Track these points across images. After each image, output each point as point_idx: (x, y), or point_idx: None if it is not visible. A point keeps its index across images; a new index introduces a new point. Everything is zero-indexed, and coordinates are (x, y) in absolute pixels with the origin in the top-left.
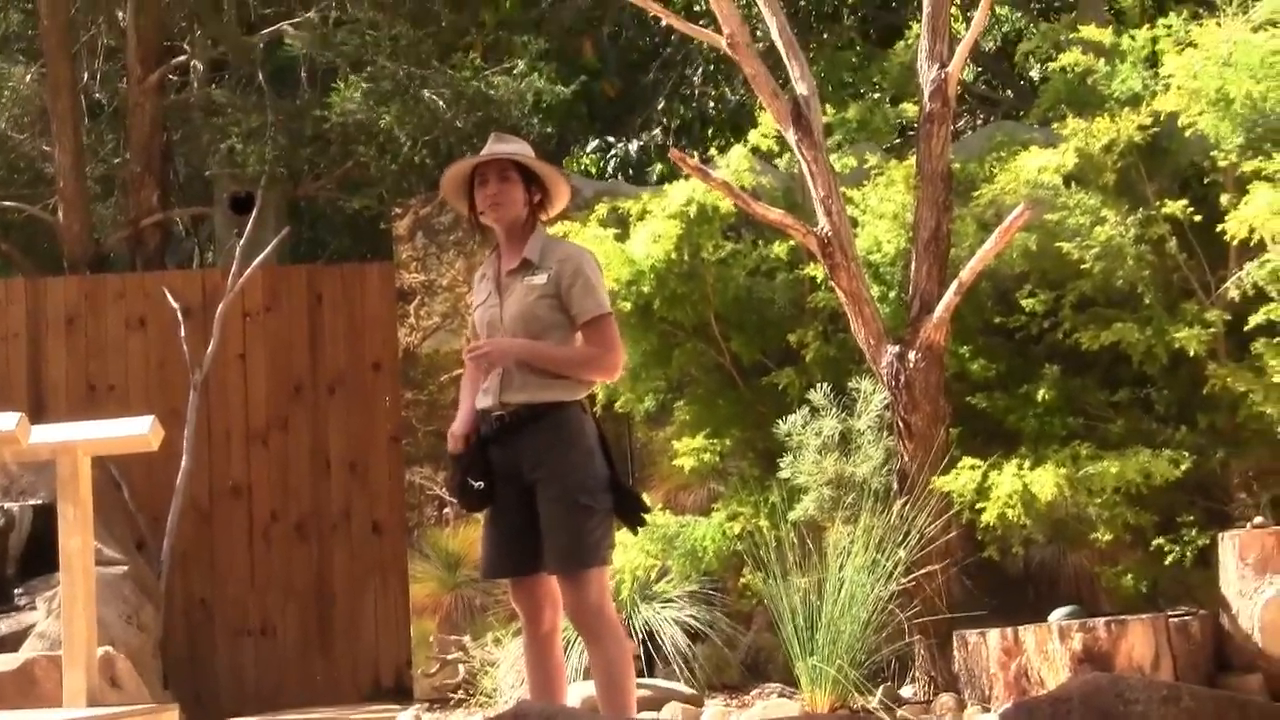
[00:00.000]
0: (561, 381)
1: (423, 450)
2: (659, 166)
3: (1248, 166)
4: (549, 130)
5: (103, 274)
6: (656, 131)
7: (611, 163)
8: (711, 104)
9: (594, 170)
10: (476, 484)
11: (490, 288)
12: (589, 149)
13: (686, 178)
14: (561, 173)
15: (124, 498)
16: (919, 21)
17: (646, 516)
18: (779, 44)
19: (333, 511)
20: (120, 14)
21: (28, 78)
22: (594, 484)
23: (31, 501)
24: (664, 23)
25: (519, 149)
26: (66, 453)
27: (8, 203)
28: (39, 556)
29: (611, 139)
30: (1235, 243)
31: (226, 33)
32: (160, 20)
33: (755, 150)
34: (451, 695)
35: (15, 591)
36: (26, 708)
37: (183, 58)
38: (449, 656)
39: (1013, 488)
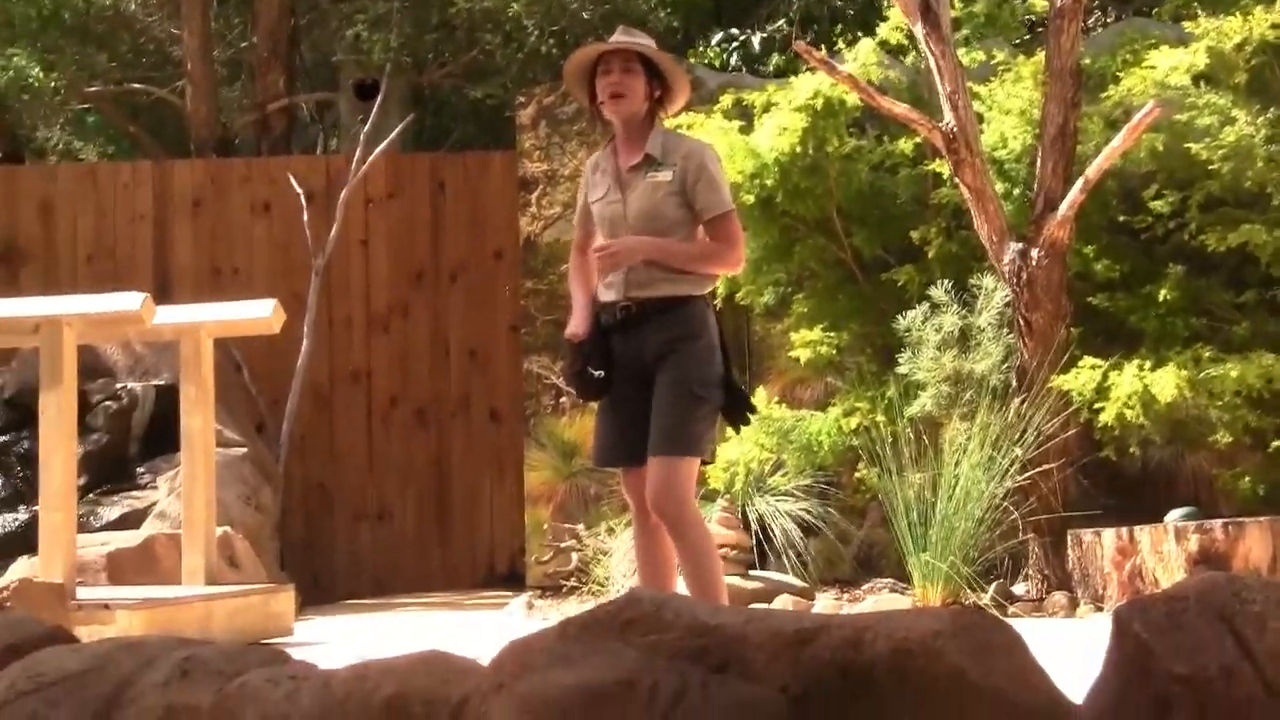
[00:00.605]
0: (687, 276)
1: (541, 339)
2: (780, 59)
3: None
4: (674, 24)
5: (228, 158)
6: (781, 23)
7: (735, 55)
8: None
9: (718, 63)
10: (597, 373)
11: (609, 182)
12: (714, 41)
13: (812, 71)
14: (684, 69)
15: (244, 380)
16: None
17: (760, 411)
18: None
19: (451, 399)
20: None
21: None
22: (710, 378)
23: (155, 382)
24: None
25: (646, 42)
26: (189, 333)
27: (136, 85)
28: (161, 436)
29: (736, 30)
30: None
31: None
32: None
33: (883, 45)
34: (564, 583)
35: (138, 470)
36: (148, 584)
37: None
38: (562, 545)
39: (1133, 388)
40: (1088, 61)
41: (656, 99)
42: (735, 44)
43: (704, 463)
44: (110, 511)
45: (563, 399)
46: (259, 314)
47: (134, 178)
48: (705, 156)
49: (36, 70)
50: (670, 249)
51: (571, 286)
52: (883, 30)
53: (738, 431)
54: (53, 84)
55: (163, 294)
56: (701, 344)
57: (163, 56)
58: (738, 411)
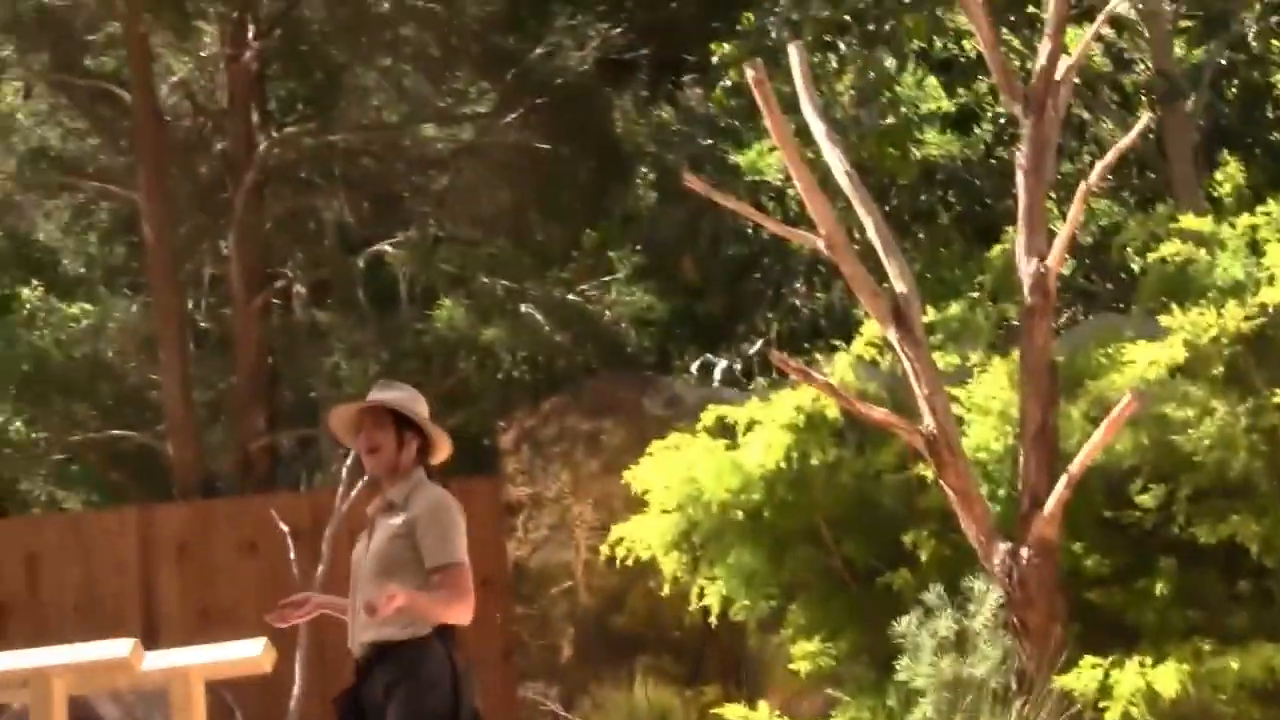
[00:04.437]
0: (398, 620)
1: (536, 664)
2: (762, 381)
3: None
4: (646, 343)
5: (213, 499)
6: (759, 343)
7: (717, 379)
8: (813, 311)
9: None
10: None
11: (368, 526)
12: (692, 368)
13: (795, 386)
14: (436, 426)
15: None
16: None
17: None
18: (876, 243)
19: None
20: (223, 242)
21: (133, 309)
22: (429, 715)
23: None
24: (764, 232)
25: (396, 396)
26: (179, 677)
27: (116, 432)
28: None
29: (711, 356)
30: None
31: (328, 255)
32: (263, 246)
33: (859, 359)
34: None
35: None
36: None
37: (284, 282)
38: None
39: (1135, 685)
40: (1062, 359)
41: (418, 449)
42: (716, 369)
43: None
44: None
45: None
46: (249, 653)
47: (119, 524)
48: (440, 508)
49: (18, 424)
50: (420, 598)
51: None
52: (857, 345)
53: None
54: (34, 436)
55: (151, 639)
56: (419, 682)
57: (143, 402)
58: None
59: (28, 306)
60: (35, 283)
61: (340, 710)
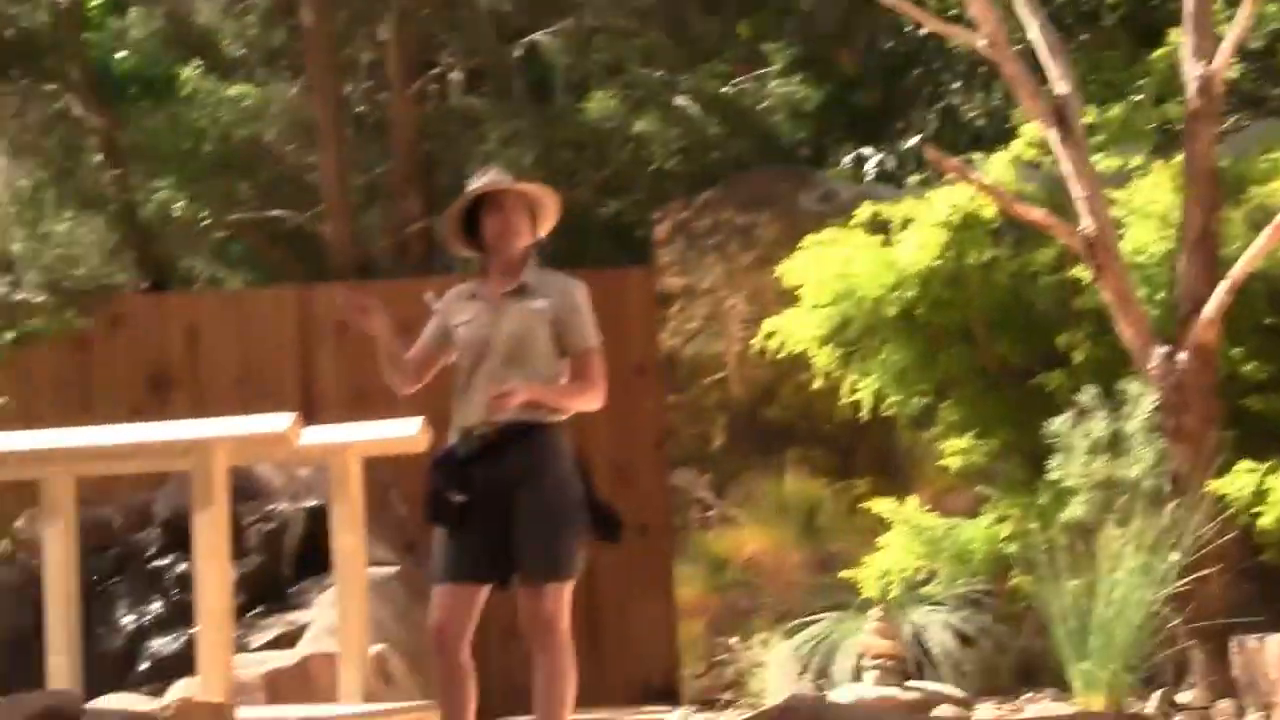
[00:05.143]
0: (543, 405)
1: (687, 452)
2: (917, 177)
3: None
4: (801, 137)
5: (369, 280)
6: (915, 140)
7: (870, 174)
8: (971, 112)
9: (852, 177)
10: (458, 498)
11: (479, 307)
12: (845, 161)
13: (951, 185)
14: (554, 198)
15: (393, 499)
16: (1181, 20)
17: (911, 519)
18: (1038, 45)
19: None
20: (381, 28)
21: (292, 92)
22: (571, 502)
23: (305, 504)
24: (922, 29)
25: (519, 183)
26: (337, 454)
27: (275, 213)
28: (313, 557)
29: (866, 151)
30: None
31: (483, 43)
32: (419, 33)
33: (1017, 159)
34: (720, 697)
35: (290, 591)
36: (305, 703)
37: (440, 69)
38: (717, 658)
39: None
40: (1226, 164)
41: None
42: (869, 163)
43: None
44: (265, 633)
45: (710, 512)
46: (406, 432)
47: (277, 303)
48: (579, 293)
49: (180, 202)
50: (551, 391)
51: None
52: (1016, 145)
53: (615, 542)
54: (196, 214)
55: (308, 417)
56: (558, 470)
57: (300, 185)
58: (606, 529)
59: (189, 87)
60: (196, 63)
61: (444, 476)
